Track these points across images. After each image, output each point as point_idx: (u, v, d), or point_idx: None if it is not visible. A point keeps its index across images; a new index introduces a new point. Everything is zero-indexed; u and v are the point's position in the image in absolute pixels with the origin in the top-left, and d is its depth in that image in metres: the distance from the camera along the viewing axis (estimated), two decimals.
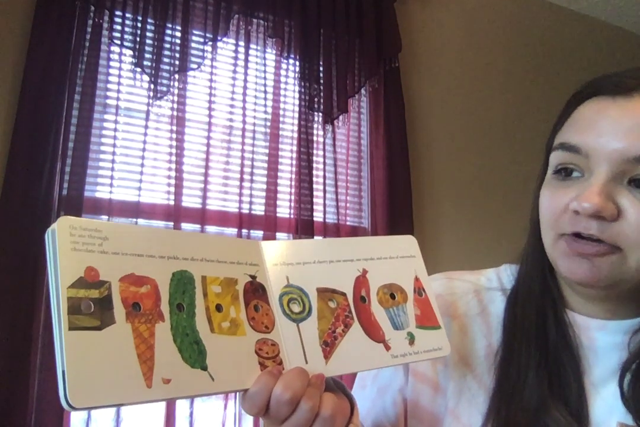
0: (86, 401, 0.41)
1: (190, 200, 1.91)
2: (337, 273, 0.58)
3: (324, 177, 2.11)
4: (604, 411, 0.58)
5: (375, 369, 0.58)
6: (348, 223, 2.17)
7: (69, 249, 0.44)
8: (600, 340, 0.60)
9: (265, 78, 2.08)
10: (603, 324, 0.60)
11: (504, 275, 0.70)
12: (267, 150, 2.04)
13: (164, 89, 1.90)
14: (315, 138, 2.13)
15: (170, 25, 1.93)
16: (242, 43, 2.07)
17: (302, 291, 0.55)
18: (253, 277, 0.53)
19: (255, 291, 0.53)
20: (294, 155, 2.08)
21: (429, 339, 0.59)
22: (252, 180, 1.99)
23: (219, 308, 0.50)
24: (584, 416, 0.57)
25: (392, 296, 0.59)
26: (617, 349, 0.59)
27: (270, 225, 1.97)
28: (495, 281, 0.70)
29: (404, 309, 0.59)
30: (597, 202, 0.52)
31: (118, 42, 1.86)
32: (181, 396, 0.45)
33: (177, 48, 1.93)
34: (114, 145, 1.83)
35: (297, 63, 2.13)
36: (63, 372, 0.41)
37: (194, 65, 1.97)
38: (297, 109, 2.11)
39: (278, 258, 0.56)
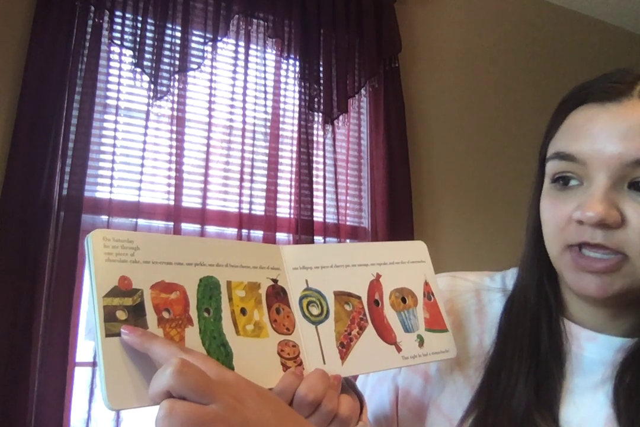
0: (123, 403, 0.44)
1: (190, 201, 1.91)
2: (352, 277, 0.60)
3: (324, 177, 2.11)
4: (576, 420, 0.57)
5: (387, 369, 0.60)
6: (348, 223, 2.17)
7: (103, 260, 0.47)
8: (588, 351, 0.60)
9: (265, 78, 2.08)
10: (594, 336, 0.60)
11: (510, 277, 0.70)
12: (267, 151, 2.04)
13: (164, 89, 1.90)
14: (315, 138, 2.13)
15: (170, 25, 1.93)
16: (242, 43, 2.07)
17: (321, 294, 0.58)
18: (275, 280, 0.56)
19: (277, 294, 0.55)
20: (294, 155, 2.08)
21: (437, 341, 0.61)
22: (252, 181, 1.99)
23: (243, 311, 0.52)
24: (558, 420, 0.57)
25: (404, 300, 0.61)
26: (604, 365, 0.59)
27: (270, 225, 1.98)
28: (499, 283, 0.70)
29: (414, 312, 0.61)
30: (600, 210, 0.52)
31: (118, 42, 1.86)
32: None
33: (177, 48, 1.93)
34: (114, 145, 1.83)
35: (297, 63, 2.13)
36: (102, 376, 0.43)
37: (194, 66, 1.97)
38: (297, 109, 2.11)
39: (297, 262, 0.58)
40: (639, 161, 0.52)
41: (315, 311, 0.56)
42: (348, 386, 0.58)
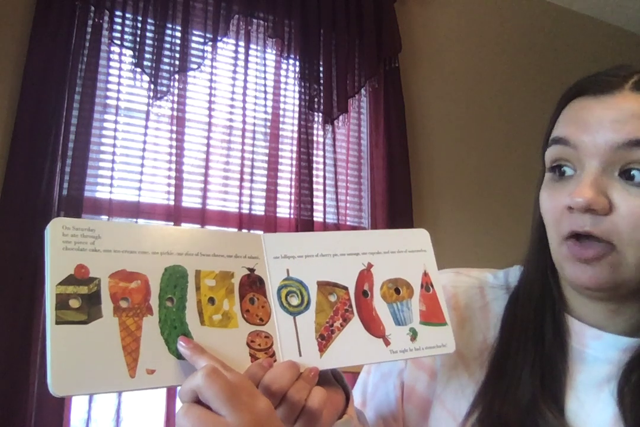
0: (68, 389, 0.44)
1: (190, 201, 1.91)
2: (340, 267, 0.58)
3: (324, 177, 2.11)
4: (581, 415, 0.58)
5: (371, 363, 0.58)
6: (348, 223, 2.17)
7: (60, 249, 0.46)
8: (592, 349, 0.60)
9: (265, 78, 2.08)
10: (599, 335, 0.60)
11: (512, 275, 0.70)
12: (267, 150, 2.04)
13: (164, 89, 1.90)
14: (315, 138, 2.13)
15: (170, 25, 1.93)
16: (242, 43, 2.07)
17: (302, 284, 0.56)
18: (251, 270, 0.54)
19: (253, 283, 0.54)
20: (294, 155, 2.08)
21: (432, 335, 0.59)
22: (252, 181, 1.99)
23: (211, 301, 0.51)
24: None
25: (397, 291, 0.59)
26: (608, 364, 0.59)
27: (270, 225, 1.97)
28: (502, 280, 0.70)
29: (408, 304, 0.59)
30: (589, 196, 0.53)
31: (118, 42, 1.86)
32: (165, 385, 0.48)
33: (177, 48, 1.93)
34: (114, 145, 1.83)
35: (297, 63, 2.13)
36: (49, 362, 0.44)
37: (194, 66, 1.97)
38: (297, 109, 2.11)
39: (279, 251, 0.56)
40: (629, 143, 0.53)
41: (294, 301, 0.55)
42: (335, 379, 0.58)
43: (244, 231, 1.94)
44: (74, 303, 0.45)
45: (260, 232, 2.00)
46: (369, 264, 0.59)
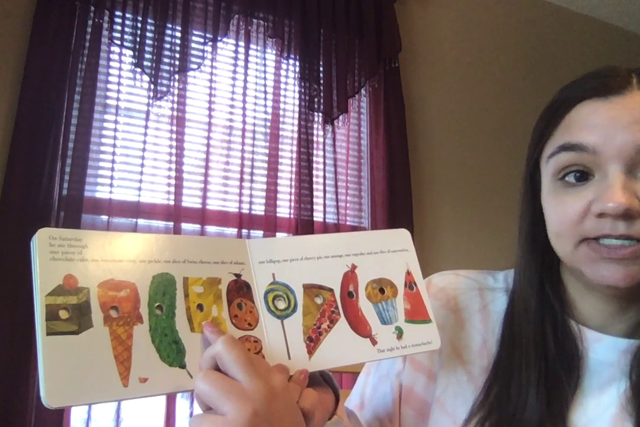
0: (61, 400, 0.43)
1: (190, 201, 1.91)
2: (324, 269, 0.59)
3: (324, 177, 2.11)
4: (582, 421, 0.58)
5: (360, 363, 0.59)
6: (348, 223, 2.17)
7: (47, 259, 0.46)
8: (594, 352, 0.60)
9: (265, 78, 2.08)
10: (600, 337, 0.60)
11: (512, 276, 0.69)
12: (267, 151, 2.04)
13: (164, 89, 1.90)
14: (315, 138, 2.13)
15: (170, 25, 1.93)
16: (242, 43, 2.07)
17: (288, 287, 0.57)
18: (238, 275, 0.55)
19: (240, 289, 0.54)
20: (294, 155, 2.08)
21: (418, 333, 0.60)
22: (252, 181, 1.99)
23: (200, 308, 0.52)
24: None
25: (382, 291, 0.60)
26: (609, 366, 0.59)
27: (270, 225, 1.98)
28: (502, 282, 0.70)
29: (393, 303, 0.60)
30: (624, 200, 0.51)
31: (118, 42, 1.86)
32: (158, 393, 0.48)
33: (177, 48, 1.93)
34: (114, 145, 1.83)
35: (297, 63, 2.13)
36: (41, 374, 0.43)
37: (194, 66, 1.97)
38: (297, 109, 2.11)
39: (264, 256, 0.57)
40: None
41: (281, 305, 0.55)
42: (324, 380, 0.58)
43: (244, 231, 1.94)
44: (64, 314, 0.45)
45: (261, 231, 1.98)
46: (352, 266, 0.60)
